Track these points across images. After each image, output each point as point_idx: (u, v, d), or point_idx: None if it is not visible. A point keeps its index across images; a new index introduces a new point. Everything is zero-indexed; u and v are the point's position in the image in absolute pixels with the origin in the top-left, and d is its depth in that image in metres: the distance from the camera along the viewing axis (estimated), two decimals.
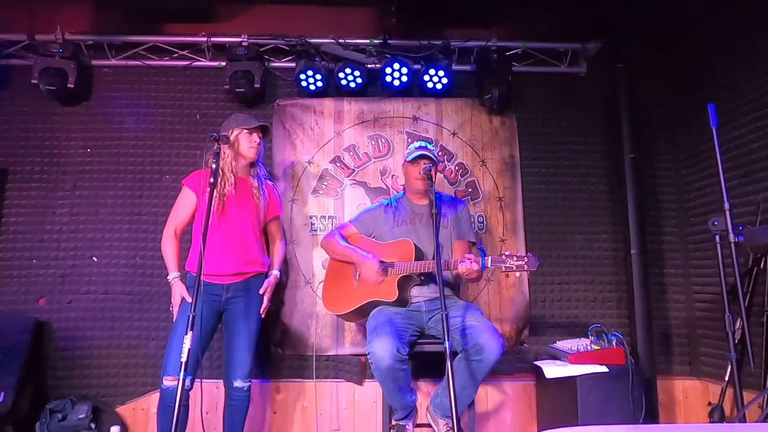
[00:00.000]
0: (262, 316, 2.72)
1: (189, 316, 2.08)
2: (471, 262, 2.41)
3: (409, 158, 2.76)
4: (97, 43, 3.50)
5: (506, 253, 2.40)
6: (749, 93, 2.98)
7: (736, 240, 1.97)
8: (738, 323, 2.89)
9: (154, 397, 3.23)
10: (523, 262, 2.37)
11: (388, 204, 2.92)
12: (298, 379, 3.29)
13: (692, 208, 3.46)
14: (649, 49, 3.66)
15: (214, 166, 2.35)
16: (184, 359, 2.02)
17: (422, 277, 2.64)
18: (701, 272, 3.37)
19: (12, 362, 2.83)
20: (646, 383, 2.83)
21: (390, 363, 2.27)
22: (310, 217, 3.43)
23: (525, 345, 3.37)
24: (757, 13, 2.91)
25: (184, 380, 2.01)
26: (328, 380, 3.28)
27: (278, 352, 3.29)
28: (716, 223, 2.05)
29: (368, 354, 2.33)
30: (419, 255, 2.64)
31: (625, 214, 3.26)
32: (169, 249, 2.69)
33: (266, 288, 2.73)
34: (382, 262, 2.67)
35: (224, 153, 2.64)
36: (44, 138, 3.49)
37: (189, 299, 2.53)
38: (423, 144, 2.79)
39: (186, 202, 2.73)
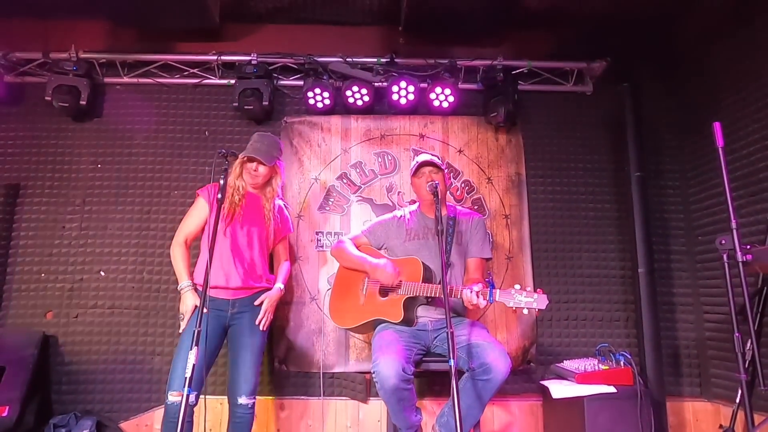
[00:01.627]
0: (263, 329, 2.70)
1: (194, 331, 2.08)
2: (478, 297, 2.33)
3: (413, 171, 2.77)
4: (109, 61, 3.58)
5: (516, 287, 2.29)
6: (756, 112, 2.98)
7: (744, 259, 1.95)
8: (748, 344, 2.86)
9: (158, 413, 3.22)
10: (533, 299, 2.24)
11: (401, 216, 2.88)
12: (302, 397, 3.27)
13: (700, 227, 3.44)
14: (655, 68, 3.68)
15: (222, 182, 2.37)
16: (188, 375, 2.02)
17: (428, 298, 2.61)
18: (710, 292, 3.33)
19: (18, 376, 2.83)
20: (656, 405, 2.77)
21: (395, 382, 2.25)
22: (317, 233, 3.45)
23: (532, 364, 3.33)
24: (764, 33, 2.93)
25: (188, 396, 1.99)
26: (333, 398, 3.25)
27: (283, 369, 3.27)
28: (724, 242, 2.03)
29: (373, 373, 2.31)
30: (427, 274, 2.61)
31: (632, 232, 3.24)
32: (179, 257, 2.70)
33: (264, 299, 2.70)
34: None
35: (236, 170, 2.70)
36: (56, 153, 3.55)
37: (205, 310, 2.53)
38: (425, 156, 2.79)
39: (198, 212, 2.76)
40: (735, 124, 3.11)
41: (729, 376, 3.11)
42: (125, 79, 3.62)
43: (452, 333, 2.11)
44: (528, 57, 3.63)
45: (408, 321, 2.61)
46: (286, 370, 3.28)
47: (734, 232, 1.96)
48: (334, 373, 3.28)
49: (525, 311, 2.25)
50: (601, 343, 3.03)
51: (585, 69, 3.63)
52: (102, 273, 3.39)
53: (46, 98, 3.35)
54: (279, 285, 2.80)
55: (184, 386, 2.31)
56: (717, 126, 2.04)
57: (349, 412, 3.25)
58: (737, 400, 2.82)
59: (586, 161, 3.63)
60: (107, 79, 3.62)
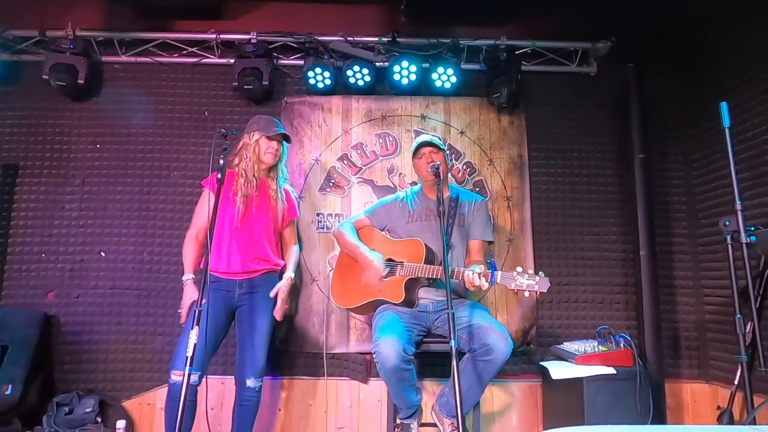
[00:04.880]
0: (279, 319, 2.72)
1: (195, 311, 2.09)
2: (480, 277, 2.32)
3: (413, 153, 2.76)
4: (107, 40, 3.53)
5: (518, 269, 2.28)
6: (762, 93, 2.94)
7: (748, 241, 1.94)
8: (749, 326, 2.87)
9: (160, 392, 3.25)
10: (534, 282, 2.23)
11: (404, 197, 2.87)
12: (303, 377, 3.29)
13: (703, 210, 3.43)
14: (660, 50, 3.62)
15: (221, 162, 2.35)
16: (189, 354, 2.02)
17: (430, 280, 2.61)
18: (711, 275, 3.33)
19: (20, 355, 2.85)
20: (654, 386, 2.79)
21: (396, 363, 2.26)
22: (317, 215, 3.43)
23: (531, 346, 3.34)
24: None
25: (189, 375, 2.00)
26: (334, 378, 3.27)
27: (283, 350, 3.28)
28: (727, 223, 2.03)
29: (374, 353, 2.32)
30: (429, 256, 2.60)
31: (635, 215, 3.22)
32: (188, 251, 2.70)
33: (278, 290, 2.70)
34: (390, 260, 2.65)
35: (245, 156, 2.71)
36: (54, 133, 3.52)
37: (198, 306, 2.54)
38: (425, 136, 2.79)
39: (206, 204, 2.74)
40: (740, 106, 3.07)
41: (727, 359, 3.13)
42: (123, 58, 3.57)
43: (453, 314, 2.12)
44: (531, 37, 3.57)
45: (409, 302, 2.61)
46: (286, 350, 3.29)
47: (739, 213, 1.94)
48: (334, 353, 3.30)
49: (526, 294, 2.25)
50: (601, 325, 3.04)
51: (590, 49, 3.58)
52: (102, 253, 3.39)
53: (44, 77, 3.30)
54: (290, 274, 2.78)
55: (191, 366, 2.37)
56: (723, 106, 2.00)
57: (350, 392, 3.28)
58: (735, 382, 2.84)
59: (589, 143, 3.60)
60: (105, 58, 3.57)
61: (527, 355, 3.35)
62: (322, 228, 3.42)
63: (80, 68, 3.34)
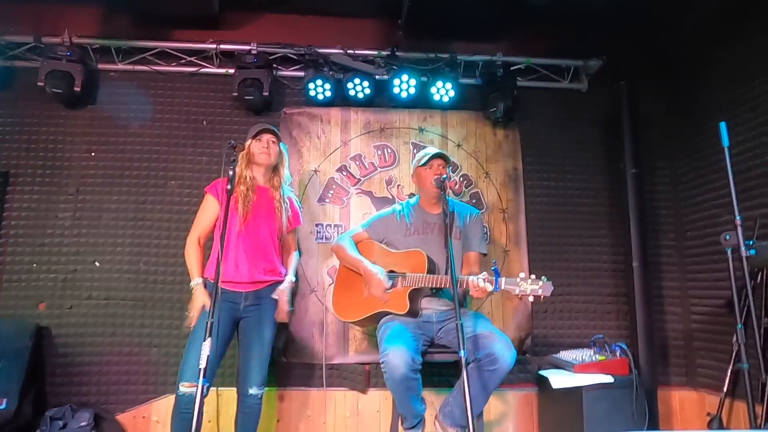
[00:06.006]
0: (286, 320, 2.72)
1: (207, 322, 2.08)
2: (485, 282, 2.37)
3: (422, 162, 2.76)
4: (103, 47, 3.49)
5: (521, 275, 2.34)
6: (748, 112, 3.08)
7: (748, 254, 2.04)
8: (735, 336, 2.98)
9: (155, 405, 3.21)
10: (538, 286, 2.29)
11: (400, 211, 2.89)
12: (302, 387, 3.28)
13: (689, 223, 3.56)
14: (647, 68, 3.77)
15: (231, 173, 2.36)
16: (203, 365, 2.01)
17: (433, 290, 2.64)
18: (698, 285, 3.46)
19: (14, 368, 2.77)
20: (648, 393, 2.87)
21: (404, 372, 2.29)
22: (316, 226, 3.45)
23: (527, 355, 3.41)
24: (757, 34, 3.02)
25: (204, 387, 1.99)
26: (333, 389, 3.27)
27: (282, 360, 3.27)
28: (728, 237, 2.13)
29: (382, 363, 2.34)
30: (431, 267, 2.63)
31: (626, 227, 3.33)
32: (192, 256, 2.68)
33: (281, 292, 2.70)
34: (392, 272, 2.68)
35: (240, 164, 2.68)
36: (47, 141, 3.45)
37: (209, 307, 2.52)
38: (437, 149, 2.83)
39: (208, 210, 2.74)
40: (726, 122, 3.21)
41: (714, 366, 3.25)
42: (120, 66, 3.54)
43: (461, 325, 2.16)
44: (525, 54, 3.69)
45: (413, 312, 2.64)
46: (285, 361, 3.28)
47: (738, 228, 2.04)
48: (333, 364, 3.30)
49: (530, 298, 2.32)
50: (596, 335, 3.13)
51: (581, 67, 3.70)
52: (96, 263, 3.33)
53: (39, 83, 3.24)
54: (291, 277, 2.79)
55: (196, 377, 2.33)
56: (722, 126, 2.11)
57: (349, 402, 3.28)
58: (725, 389, 2.96)
59: (581, 157, 3.71)
60: (101, 66, 3.53)
61: (523, 364, 3.41)
62: (321, 239, 3.44)
63: (77, 76, 3.30)
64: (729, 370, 2.92)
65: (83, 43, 3.42)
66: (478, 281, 2.38)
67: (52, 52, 3.29)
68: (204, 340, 2.05)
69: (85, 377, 3.21)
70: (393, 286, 2.65)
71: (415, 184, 2.95)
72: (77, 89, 3.30)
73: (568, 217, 3.62)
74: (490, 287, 2.36)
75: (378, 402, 3.26)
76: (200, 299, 2.56)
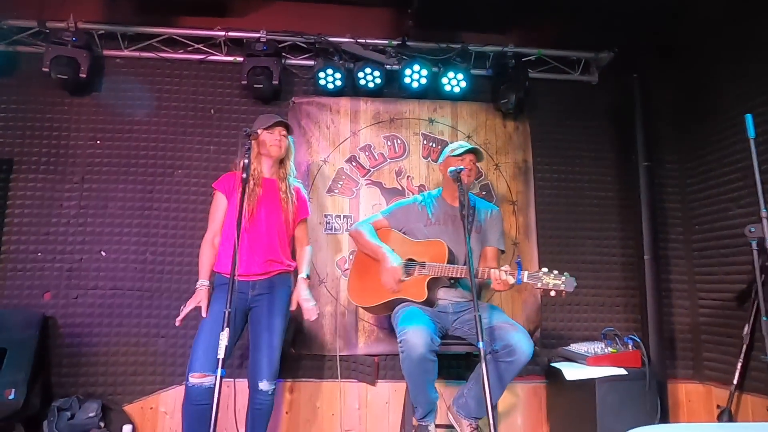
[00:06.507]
0: (314, 317, 2.69)
1: (225, 312, 2.05)
2: (507, 275, 2.36)
3: (456, 153, 2.75)
4: (109, 33, 3.43)
5: (543, 270, 2.34)
6: (759, 106, 3.07)
7: None
8: (745, 329, 3.00)
9: (163, 396, 3.18)
10: (560, 282, 2.29)
11: (422, 201, 2.88)
12: (311, 379, 3.26)
13: (697, 216, 3.56)
14: (656, 61, 3.75)
15: (246, 161, 2.32)
16: (221, 356, 2.00)
17: (452, 280, 2.64)
18: (705, 279, 3.46)
19: (21, 358, 2.74)
20: (659, 386, 2.88)
21: (423, 352, 2.26)
22: (325, 216, 3.42)
23: (536, 347, 3.38)
24: (764, 26, 3.01)
25: (222, 378, 1.97)
26: (342, 380, 3.25)
27: (291, 352, 3.25)
28: (753, 230, 2.12)
29: (400, 342, 2.32)
30: (451, 258, 2.62)
31: (638, 220, 3.33)
32: (204, 256, 2.64)
33: (296, 298, 2.69)
34: (410, 260, 2.66)
35: (253, 151, 2.63)
36: (51, 128, 3.39)
37: (204, 314, 2.50)
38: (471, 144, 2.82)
39: (219, 207, 2.70)
40: (736, 118, 3.20)
41: (721, 359, 3.26)
42: (126, 53, 3.48)
43: (479, 316, 2.15)
44: (534, 45, 3.66)
45: (430, 302, 2.63)
46: (294, 353, 3.26)
47: (764, 221, 2.04)
48: (343, 355, 3.28)
49: (552, 293, 2.30)
50: (607, 327, 3.12)
51: (592, 59, 3.68)
52: (103, 253, 3.29)
53: (44, 69, 3.18)
54: (304, 274, 2.75)
55: (206, 368, 2.33)
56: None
57: (358, 394, 3.27)
58: (735, 382, 2.97)
59: (590, 150, 3.70)
60: (106, 52, 3.47)
61: (532, 356, 3.40)
62: (330, 229, 3.41)
63: (82, 62, 3.24)
64: (740, 363, 2.94)
65: (88, 29, 3.36)
66: (500, 273, 2.38)
67: (56, 38, 3.23)
68: (222, 330, 2.03)
69: (92, 368, 3.17)
70: (408, 276, 2.63)
71: (441, 173, 2.91)
72: (83, 75, 3.24)
73: (578, 210, 3.61)
74: (512, 280, 2.35)
75: (387, 394, 3.26)
76: (198, 299, 2.51)
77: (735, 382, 2.94)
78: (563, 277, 2.30)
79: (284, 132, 2.75)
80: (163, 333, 3.25)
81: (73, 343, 3.18)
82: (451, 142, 3.51)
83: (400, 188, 3.48)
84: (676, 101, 3.74)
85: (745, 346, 2.95)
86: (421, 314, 2.48)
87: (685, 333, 3.54)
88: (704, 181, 3.50)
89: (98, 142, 3.40)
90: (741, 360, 2.94)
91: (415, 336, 2.27)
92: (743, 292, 3.12)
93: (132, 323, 3.24)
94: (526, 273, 2.35)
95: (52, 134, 3.38)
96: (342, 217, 3.43)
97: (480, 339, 2.11)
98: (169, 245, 3.33)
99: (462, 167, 2.58)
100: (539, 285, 2.31)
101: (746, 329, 2.95)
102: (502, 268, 2.40)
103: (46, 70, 3.19)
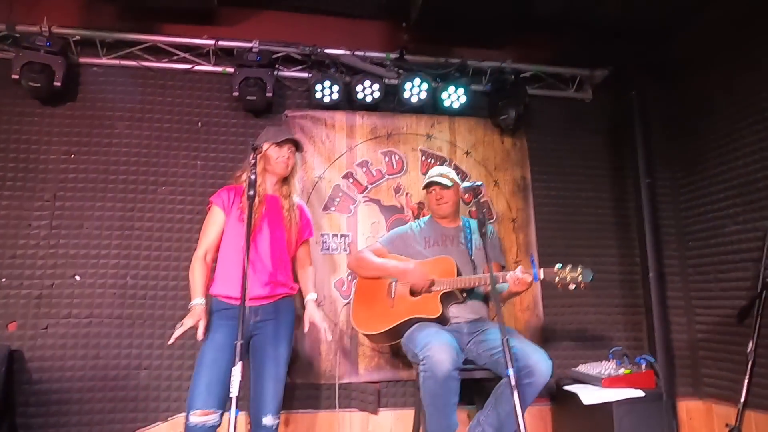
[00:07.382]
0: (329, 338, 2.55)
1: (236, 344, 1.85)
2: (523, 274, 2.36)
3: (423, 188, 2.89)
4: (86, 39, 3.18)
5: (557, 266, 2.35)
6: (753, 124, 3.13)
7: None
8: (750, 345, 3.00)
9: None
10: (577, 274, 2.30)
11: (415, 227, 2.88)
12: (308, 410, 3.05)
13: (691, 233, 3.59)
14: (649, 79, 3.79)
15: (252, 177, 2.14)
16: (234, 393, 1.79)
17: (464, 294, 2.58)
18: (702, 295, 3.48)
19: None
20: (672, 406, 2.84)
21: (449, 369, 2.15)
22: (322, 235, 3.24)
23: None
24: (763, 45, 3.07)
25: (236, 417, 1.76)
26: (342, 410, 3.06)
27: (287, 381, 3.02)
28: None
29: (423, 360, 2.20)
30: (460, 272, 2.58)
31: (636, 237, 3.33)
32: (197, 273, 2.40)
33: (309, 321, 2.55)
34: None
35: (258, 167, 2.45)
36: (20, 141, 3.09)
37: (200, 336, 2.27)
38: (436, 172, 2.84)
39: (215, 222, 2.48)
40: (731, 135, 3.27)
41: (721, 376, 3.27)
42: (104, 60, 3.23)
43: (507, 340, 2.05)
44: (530, 61, 3.65)
45: (443, 319, 2.55)
46: (290, 381, 3.03)
47: None
48: (342, 383, 3.09)
49: (571, 287, 2.30)
50: (614, 347, 3.07)
51: (587, 76, 3.69)
52: (77, 278, 2.99)
53: (13, 76, 2.90)
54: (311, 297, 2.59)
55: (209, 404, 2.12)
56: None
57: (358, 424, 3.08)
58: (742, 399, 2.95)
59: (587, 167, 3.69)
60: (83, 59, 3.21)
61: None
62: (327, 249, 3.24)
63: (57, 69, 2.97)
64: (746, 380, 2.92)
65: (63, 34, 3.10)
66: (517, 273, 2.36)
67: (29, 42, 2.95)
68: (234, 365, 1.83)
69: (64, 406, 2.84)
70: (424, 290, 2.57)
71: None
72: (58, 84, 2.97)
73: (576, 228, 3.57)
74: (529, 278, 2.35)
75: (389, 423, 3.08)
76: (195, 317, 2.27)
77: (743, 399, 2.92)
78: (579, 269, 2.30)
79: (294, 150, 2.60)
80: (146, 365, 2.96)
81: (43, 378, 2.84)
82: (449, 160, 3.47)
83: (399, 206, 3.36)
84: (669, 118, 3.78)
85: (750, 363, 2.94)
86: (440, 330, 2.38)
87: (683, 350, 3.52)
88: (698, 198, 3.53)
89: (72, 156, 3.12)
90: (748, 377, 2.93)
91: (441, 351, 2.15)
92: (742, 308, 3.14)
93: (110, 355, 2.94)
94: (542, 271, 2.36)
95: (20, 147, 3.07)
96: (339, 236, 3.26)
97: (509, 366, 2.00)
98: (151, 268, 3.07)
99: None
100: (557, 280, 2.32)
101: (750, 345, 2.95)
102: (518, 268, 2.39)
103: (16, 77, 2.91)
